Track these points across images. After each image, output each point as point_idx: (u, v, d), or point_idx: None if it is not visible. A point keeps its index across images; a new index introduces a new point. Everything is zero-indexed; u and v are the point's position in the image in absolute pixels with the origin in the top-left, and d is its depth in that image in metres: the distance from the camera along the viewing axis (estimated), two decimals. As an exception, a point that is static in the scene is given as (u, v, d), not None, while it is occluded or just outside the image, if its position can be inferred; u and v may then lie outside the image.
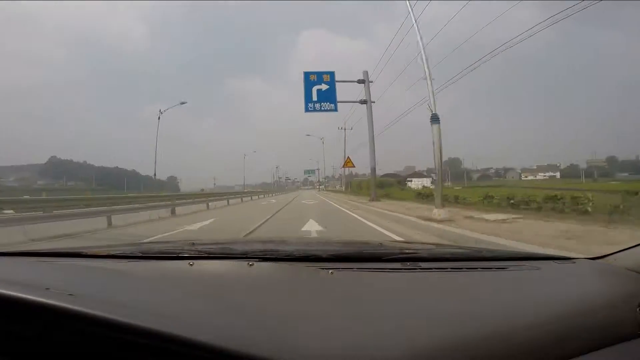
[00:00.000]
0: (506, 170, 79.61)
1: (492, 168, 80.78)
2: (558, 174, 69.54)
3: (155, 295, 0.76)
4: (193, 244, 1.25)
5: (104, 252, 1.16)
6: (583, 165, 67.94)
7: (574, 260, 1.03)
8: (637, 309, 0.68)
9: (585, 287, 0.87)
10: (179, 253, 1.09)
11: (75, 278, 0.91)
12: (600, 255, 1.04)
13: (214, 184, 64.89)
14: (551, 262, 1.03)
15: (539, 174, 71.53)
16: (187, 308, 0.67)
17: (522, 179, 69.07)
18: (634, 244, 0.97)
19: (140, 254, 1.11)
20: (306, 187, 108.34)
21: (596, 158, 70.49)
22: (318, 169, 62.99)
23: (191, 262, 0.99)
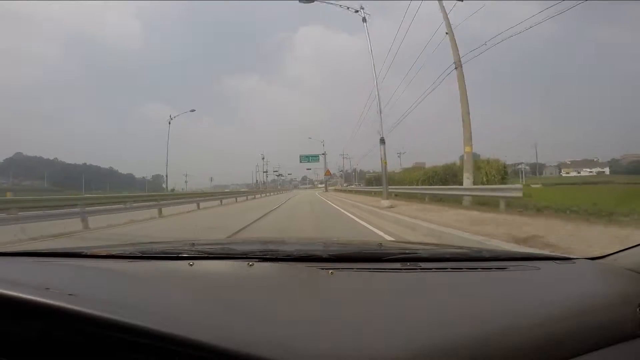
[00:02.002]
0: (540, 165, 71.50)
1: (522, 163, 67.94)
2: (607, 170, 60.60)
3: (155, 295, 0.76)
4: (193, 244, 1.25)
5: (104, 252, 1.16)
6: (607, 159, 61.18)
7: (574, 260, 1.03)
8: (637, 309, 0.68)
9: (585, 287, 0.87)
10: (179, 253, 1.09)
11: (75, 278, 0.91)
12: (600, 255, 1.04)
13: (185, 181, 60.17)
14: (551, 262, 1.03)
15: (584, 169, 63.71)
16: (187, 308, 0.67)
17: (563, 175, 62.87)
18: (634, 244, 0.97)
19: (140, 254, 1.11)
20: (305, 186, 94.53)
21: (630, 153, 61.06)
22: (324, 154, 42.47)
23: (191, 262, 0.99)
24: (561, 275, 0.94)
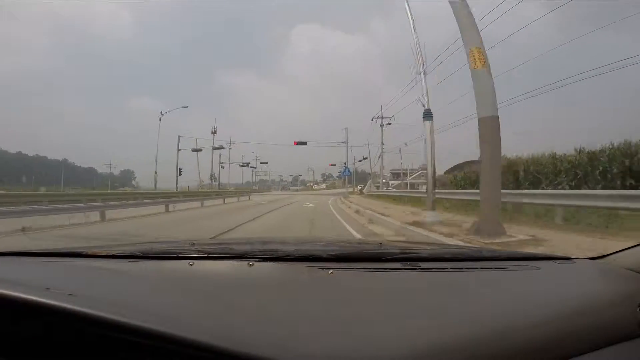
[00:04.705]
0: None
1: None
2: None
3: (155, 295, 0.76)
4: (193, 243, 1.25)
5: (104, 252, 1.16)
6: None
7: (574, 260, 1.03)
8: (637, 309, 0.68)
9: (585, 287, 0.87)
10: (179, 253, 1.10)
11: (75, 278, 0.91)
12: (600, 255, 1.04)
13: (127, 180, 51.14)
14: (551, 262, 1.03)
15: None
16: (187, 308, 0.67)
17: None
18: (634, 244, 0.97)
19: (140, 254, 1.11)
20: (295, 187, 70.95)
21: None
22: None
23: (191, 262, 0.99)
24: (561, 275, 0.94)
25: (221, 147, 40.74)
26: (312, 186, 75.33)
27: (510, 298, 0.77)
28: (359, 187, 41.72)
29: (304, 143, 31.83)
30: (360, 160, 41.40)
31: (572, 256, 1.07)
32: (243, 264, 0.96)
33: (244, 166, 51.51)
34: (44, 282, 0.74)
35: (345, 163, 32.69)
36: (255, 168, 56.65)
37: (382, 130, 32.15)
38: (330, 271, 0.90)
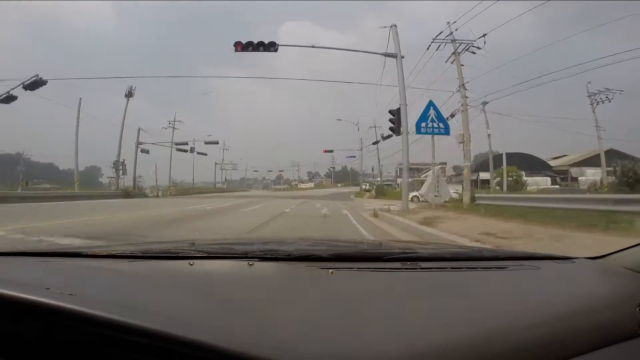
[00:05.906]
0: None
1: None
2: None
3: (155, 295, 0.76)
4: (193, 243, 1.25)
5: (104, 252, 1.16)
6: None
7: (574, 260, 1.03)
8: (637, 309, 0.68)
9: (585, 287, 0.88)
10: (179, 253, 1.09)
11: (75, 278, 0.91)
12: (600, 255, 1.04)
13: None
14: (551, 261, 1.03)
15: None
16: (187, 308, 0.67)
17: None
18: (633, 244, 0.97)
19: (140, 254, 1.11)
20: (278, 187, 57.24)
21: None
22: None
23: (191, 262, 0.99)
24: (561, 275, 0.94)
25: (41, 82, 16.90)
26: (297, 185, 61.43)
27: (510, 298, 0.77)
28: (364, 185, 29.95)
29: (273, 46, 11.74)
30: (377, 142, 24.32)
31: (572, 256, 1.07)
32: (243, 263, 0.96)
33: (184, 150, 33.12)
34: (44, 282, 0.74)
35: (394, 114, 11.34)
36: (206, 154, 36.50)
37: (457, 63, 14.81)
38: (330, 271, 0.90)
